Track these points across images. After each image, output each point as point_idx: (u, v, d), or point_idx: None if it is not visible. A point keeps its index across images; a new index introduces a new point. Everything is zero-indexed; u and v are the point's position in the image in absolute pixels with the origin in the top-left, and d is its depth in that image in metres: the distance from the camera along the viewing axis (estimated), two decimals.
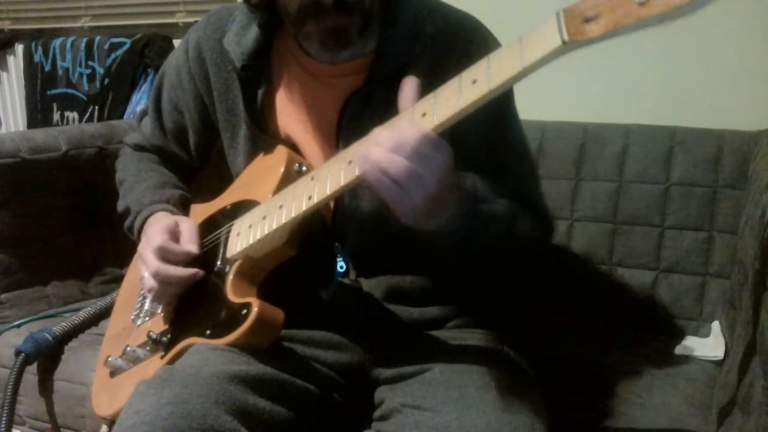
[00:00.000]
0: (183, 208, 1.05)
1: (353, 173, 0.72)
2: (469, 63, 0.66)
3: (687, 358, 1.20)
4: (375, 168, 0.67)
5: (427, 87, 0.69)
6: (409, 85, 0.71)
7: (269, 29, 0.93)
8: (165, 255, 0.90)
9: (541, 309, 1.33)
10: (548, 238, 0.96)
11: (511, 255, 0.87)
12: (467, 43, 0.89)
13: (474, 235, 0.77)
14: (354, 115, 0.89)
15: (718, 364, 1.16)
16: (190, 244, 0.93)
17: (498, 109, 0.87)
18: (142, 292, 1.02)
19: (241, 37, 0.93)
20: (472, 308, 0.95)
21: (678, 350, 1.23)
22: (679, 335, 1.28)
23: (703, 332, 1.27)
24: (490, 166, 0.87)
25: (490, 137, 0.89)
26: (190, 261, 0.92)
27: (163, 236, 0.91)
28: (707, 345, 1.22)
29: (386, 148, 0.66)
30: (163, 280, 0.90)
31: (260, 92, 0.94)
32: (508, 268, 0.91)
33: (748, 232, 1.02)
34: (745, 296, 0.95)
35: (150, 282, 0.91)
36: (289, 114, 0.94)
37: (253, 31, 0.93)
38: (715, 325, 1.24)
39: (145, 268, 0.91)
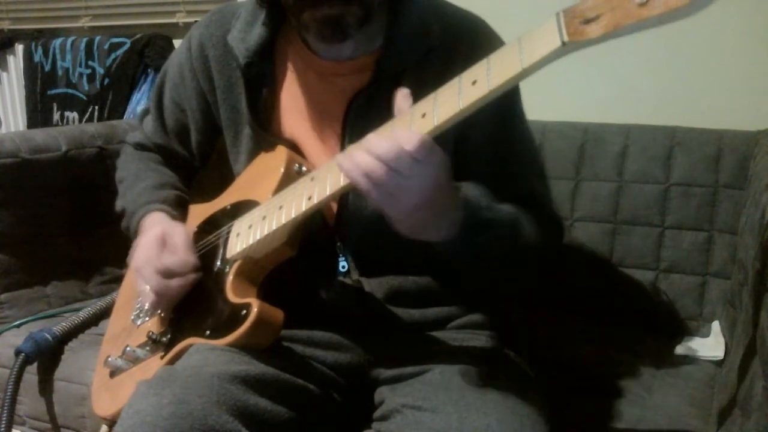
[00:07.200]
0: (180, 208, 1.04)
1: None
2: (474, 62, 0.65)
3: (687, 358, 1.20)
4: (357, 171, 0.67)
5: (433, 86, 0.69)
6: (402, 96, 0.71)
7: (274, 25, 0.92)
8: (170, 274, 0.89)
9: (541, 309, 1.33)
10: (557, 241, 0.94)
11: (518, 261, 0.86)
12: (473, 42, 0.88)
13: (478, 244, 0.76)
14: (360, 114, 0.88)
15: (718, 364, 1.16)
16: (189, 255, 0.92)
17: (504, 108, 0.87)
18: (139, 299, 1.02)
19: (245, 33, 0.92)
20: (472, 309, 0.95)
21: (678, 350, 1.23)
22: (679, 335, 1.28)
23: (703, 332, 1.27)
24: (495, 167, 0.87)
25: (495, 137, 0.88)
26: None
27: (162, 253, 0.90)
28: (707, 345, 1.22)
29: (372, 151, 0.66)
30: (169, 296, 0.91)
31: (264, 90, 0.93)
32: (516, 275, 0.90)
33: (748, 232, 1.02)
34: (745, 296, 0.95)
35: (151, 297, 0.91)
36: (294, 113, 0.94)
37: (258, 28, 0.92)
38: (715, 325, 1.24)
39: (144, 282, 0.91)
